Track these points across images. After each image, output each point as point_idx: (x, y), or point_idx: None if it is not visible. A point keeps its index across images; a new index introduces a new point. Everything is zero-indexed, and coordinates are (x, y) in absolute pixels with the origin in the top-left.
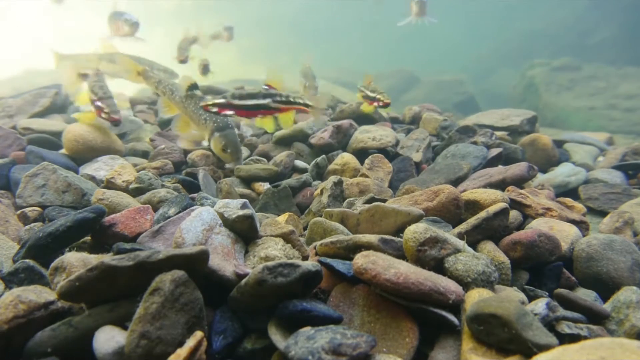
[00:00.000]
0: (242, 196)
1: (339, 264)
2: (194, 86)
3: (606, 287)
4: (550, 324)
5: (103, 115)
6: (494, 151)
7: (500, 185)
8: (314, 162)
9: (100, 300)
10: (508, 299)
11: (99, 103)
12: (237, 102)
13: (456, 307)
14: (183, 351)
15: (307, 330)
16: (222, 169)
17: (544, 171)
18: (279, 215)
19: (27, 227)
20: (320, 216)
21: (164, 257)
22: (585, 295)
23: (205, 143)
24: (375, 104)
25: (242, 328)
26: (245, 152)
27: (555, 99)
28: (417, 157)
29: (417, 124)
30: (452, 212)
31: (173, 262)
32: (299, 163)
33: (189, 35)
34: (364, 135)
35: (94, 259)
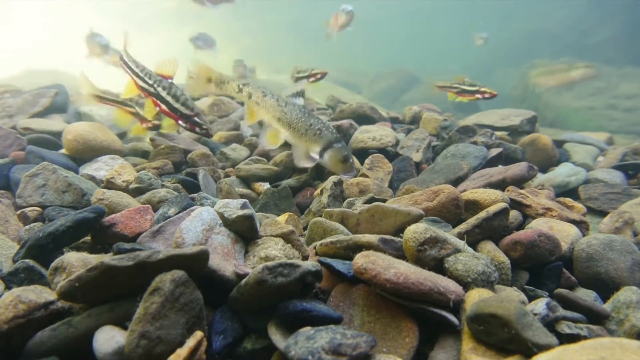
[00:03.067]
0: (242, 196)
1: (339, 264)
2: (300, 93)
3: (606, 287)
4: (550, 324)
5: (199, 130)
6: (494, 151)
7: (500, 185)
8: None
9: (100, 300)
10: (508, 299)
11: (196, 119)
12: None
13: (456, 307)
14: (183, 351)
15: (307, 330)
16: (222, 169)
17: (544, 171)
18: (279, 215)
19: (27, 227)
20: (320, 216)
21: (164, 257)
22: (585, 295)
23: (315, 155)
24: (479, 96)
25: (242, 328)
26: (245, 152)
27: (555, 99)
28: (417, 157)
29: (417, 124)
30: (452, 212)
31: (173, 262)
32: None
33: None
34: (364, 135)
35: (94, 259)
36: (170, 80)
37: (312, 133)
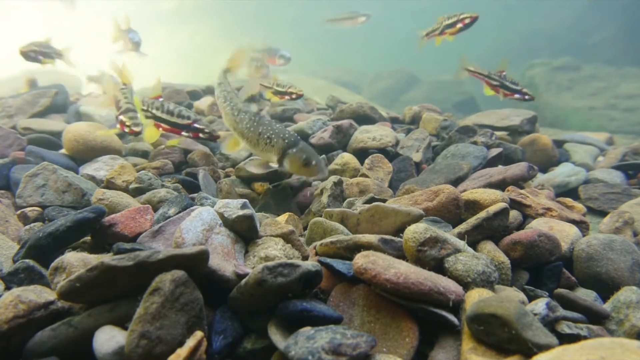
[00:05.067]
0: (242, 196)
1: (339, 264)
2: (251, 98)
3: (606, 287)
4: (550, 324)
5: (202, 135)
6: (494, 151)
7: (500, 185)
8: None
9: (100, 300)
10: (508, 299)
11: (196, 125)
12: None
13: (456, 307)
14: (183, 351)
15: (307, 330)
16: (222, 169)
17: (544, 171)
18: (279, 215)
19: (27, 227)
20: (320, 216)
21: (164, 257)
22: (585, 295)
23: (274, 165)
24: (519, 96)
25: (242, 328)
26: (245, 152)
27: (555, 99)
28: (417, 157)
29: (417, 124)
30: (452, 212)
31: (173, 262)
32: None
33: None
34: (364, 135)
35: (94, 259)
36: (160, 100)
37: (263, 142)
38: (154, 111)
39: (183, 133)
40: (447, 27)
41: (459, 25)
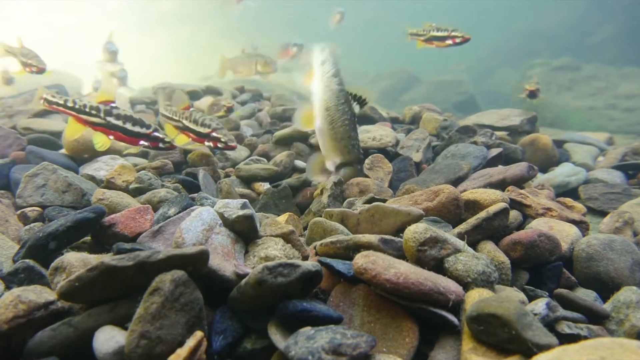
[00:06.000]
0: (242, 196)
1: (339, 264)
2: (354, 97)
3: (606, 287)
4: (550, 324)
5: (220, 145)
6: (494, 151)
7: (500, 185)
8: None
9: (100, 300)
10: (508, 299)
11: (214, 134)
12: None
13: (456, 307)
14: (183, 351)
15: (307, 330)
16: (222, 169)
17: (544, 171)
18: (279, 215)
19: (27, 227)
20: (320, 216)
21: (164, 257)
22: (585, 295)
23: (331, 167)
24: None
25: (242, 328)
26: (245, 152)
27: (555, 99)
28: (417, 157)
29: (417, 124)
30: (452, 212)
31: (173, 262)
32: (299, 163)
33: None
34: (364, 135)
35: (94, 259)
36: (191, 109)
37: (344, 143)
38: (184, 121)
39: (206, 143)
40: (435, 39)
41: (449, 41)
